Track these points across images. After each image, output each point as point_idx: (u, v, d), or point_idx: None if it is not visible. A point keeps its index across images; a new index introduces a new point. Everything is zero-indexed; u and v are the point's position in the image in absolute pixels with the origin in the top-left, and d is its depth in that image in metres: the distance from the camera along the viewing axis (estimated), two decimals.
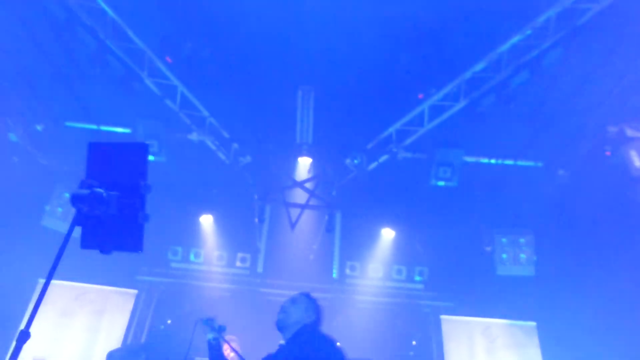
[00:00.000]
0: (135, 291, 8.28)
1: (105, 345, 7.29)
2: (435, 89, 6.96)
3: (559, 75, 6.44)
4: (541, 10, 6.03)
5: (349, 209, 8.58)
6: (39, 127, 7.75)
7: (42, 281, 7.91)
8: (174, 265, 9.17)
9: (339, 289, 9.09)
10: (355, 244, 9.17)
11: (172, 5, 6.47)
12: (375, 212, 8.53)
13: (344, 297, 9.04)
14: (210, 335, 3.78)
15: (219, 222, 9.11)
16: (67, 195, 8.23)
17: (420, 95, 7.11)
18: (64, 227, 7.68)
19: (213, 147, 7.85)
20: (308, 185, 8.01)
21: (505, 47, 6.33)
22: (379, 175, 7.95)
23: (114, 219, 2.14)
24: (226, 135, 7.85)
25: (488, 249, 8.43)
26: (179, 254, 9.18)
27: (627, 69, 6.22)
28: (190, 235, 9.19)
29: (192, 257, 9.23)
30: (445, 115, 7.08)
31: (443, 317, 8.37)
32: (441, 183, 7.54)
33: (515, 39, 6.24)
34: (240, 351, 6.84)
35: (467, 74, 6.66)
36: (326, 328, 8.68)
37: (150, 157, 7.48)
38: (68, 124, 7.88)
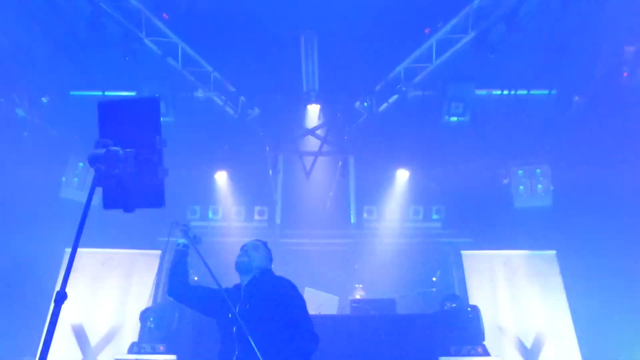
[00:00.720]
0: (158, 252, 8.43)
1: (136, 306, 7.48)
2: (442, 22, 6.74)
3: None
4: None
5: (362, 152, 8.53)
6: (44, 99, 7.72)
7: (68, 250, 8.09)
8: (193, 224, 9.20)
9: (358, 234, 9.17)
10: (371, 187, 9.17)
11: None
12: (388, 154, 8.47)
13: (363, 242, 9.13)
14: (180, 241, 3.74)
15: (233, 177, 9.14)
16: (81, 165, 8.28)
17: (427, 30, 6.90)
18: (82, 197, 7.75)
19: (220, 103, 7.78)
20: (319, 132, 7.95)
21: None
22: (390, 116, 7.85)
23: (133, 177, 2.12)
24: (232, 89, 7.75)
25: (505, 181, 8.39)
26: (198, 213, 9.28)
27: None
28: (207, 193, 9.25)
29: (210, 215, 9.33)
30: (454, 49, 6.89)
31: (464, 252, 8.43)
32: (454, 119, 7.44)
33: None
34: None
35: (475, 4, 6.42)
36: (348, 271, 8.83)
37: None
38: (73, 93, 7.83)
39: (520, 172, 8.31)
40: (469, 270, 8.23)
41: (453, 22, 6.69)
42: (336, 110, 8.09)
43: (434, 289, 8.59)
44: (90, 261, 8.11)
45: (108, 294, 7.89)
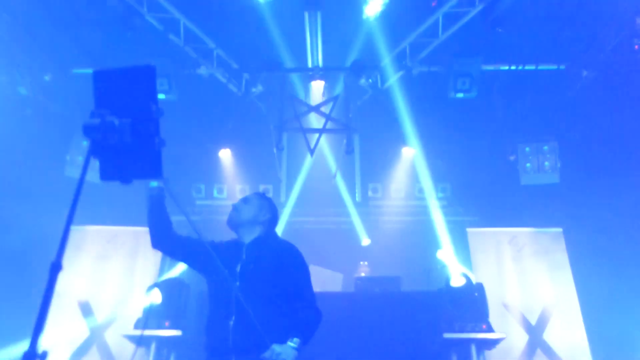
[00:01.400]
0: None
1: (143, 282, 7.54)
2: None
3: None
4: None
5: (367, 130, 8.45)
6: (46, 77, 7.66)
7: (74, 228, 8.12)
8: (198, 202, 9.29)
9: (363, 212, 9.15)
10: (376, 165, 9.12)
11: None
12: (393, 131, 8.38)
13: (368, 219, 9.11)
14: (153, 184, 3.26)
15: (237, 155, 9.11)
16: (85, 143, 8.26)
17: (434, 3, 6.75)
18: (89, 175, 7.75)
19: (223, 80, 7.70)
20: (323, 109, 7.87)
21: None
22: (395, 92, 7.75)
23: (129, 148, 2.07)
24: (235, 66, 7.66)
25: (512, 158, 8.30)
26: (203, 191, 9.28)
27: None
28: (211, 172, 9.24)
29: (215, 193, 9.33)
30: (460, 23, 6.74)
31: (469, 229, 8.40)
32: (460, 95, 7.31)
33: None
34: None
35: None
36: (352, 249, 8.85)
37: (161, 96, 7.39)
38: (75, 70, 7.77)
39: (527, 148, 8.22)
40: (474, 247, 8.22)
41: None
42: (340, 87, 8.00)
43: (439, 267, 8.59)
44: (96, 238, 8.17)
45: (114, 271, 7.96)
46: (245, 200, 3.34)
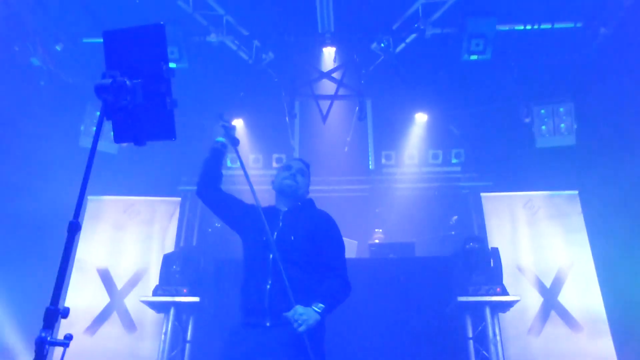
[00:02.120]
0: (178, 199, 8.55)
1: (160, 251, 7.69)
2: None
3: None
4: None
5: (380, 96, 8.36)
6: (58, 47, 7.64)
7: (91, 198, 8.24)
8: None
9: (377, 180, 9.13)
10: (389, 132, 9.05)
11: None
12: (406, 96, 8.29)
13: (382, 187, 9.10)
14: (220, 139, 3.42)
15: (249, 125, 9.09)
16: (98, 113, 8.30)
17: None
18: (101, 145, 7.81)
19: (234, 47, 7.62)
20: (335, 75, 7.78)
21: None
22: (407, 56, 7.62)
23: (141, 109, 2.08)
24: (245, 32, 7.57)
25: (527, 120, 8.17)
26: None
27: None
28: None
29: (228, 163, 9.34)
30: None
31: (483, 194, 8.36)
32: (474, 57, 7.15)
33: None
34: None
35: None
36: (367, 217, 8.87)
37: (172, 65, 7.35)
38: (85, 40, 7.74)
39: (542, 110, 8.07)
40: (489, 212, 8.19)
41: None
42: (352, 52, 7.88)
43: (453, 232, 8.61)
44: (113, 208, 8.29)
45: (131, 240, 8.10)
46: (302, 172, 3.39)
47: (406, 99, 8.44)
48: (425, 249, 7.91)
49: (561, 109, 8.01)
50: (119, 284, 7.73)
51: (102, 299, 7.60)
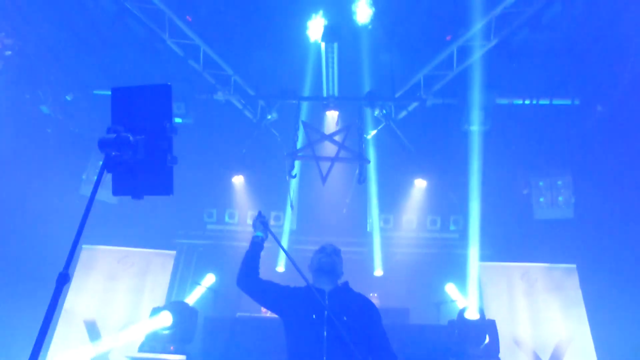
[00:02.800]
0: (174, 252, 8.49)
1: (150, 304, 7.51)
2: (464, 29, 6.68)
3: (594, 3, 6.07)
4: None
5: (380, 160, 8.47)
6: (68, 97, 7.86)
7: (86, 247, 8.18)
8: (209, 227, 9.34)
9: (374, 243, 9.08)
10: (388, 196, 9.09)
11: None
12: (406, 162, 8.40)
13: (379, 250, 9.03)
14: (258, 233, 3.62)
15: (250, 181, 9.17)
16: (101, 163, 8.39)
17: (449, 37, 6.85)
18: (101, 195, 7.84)
19: (239, 106, 7.82)
20: (337, 137, 7.92)
21: None
22: (409, 123, 7.80)
23: (142, 164, 2.12)
24: (251, 92, 7.79)
25: (525, 192, 8.24)
26: (214, 216, 9.33)
27: None
28: (224, 197, 9.30)
29: (227, 218, 9.36)
30: (475, 56, 6.81)
31: (481, 263, 8.28)
32: (474, 128, 7.33)
33: None
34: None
35: (498, 10, 6.35)
36: (365, 280, 8.73)
37: (178, 120, 7.52)
38: (96, 92, 7.96)
39: (541, 183, 8.16)
40: (486, 282, 8.09)
41: (475, 28, 6.62)
42: (354, 117, 8.06)
43: (449, 301, 8.46)
44: (106, 258, 8.21)
45: (122, 291, 7.96)
46: (337, 253, 3.58)
47: (406, 164, 8.54)
48: (421, 316, 7.75)
49: (559, 182, 8.10)
50: (106, 336, 7.51)
51: (87, 352, 7.37)
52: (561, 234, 8.01)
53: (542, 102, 7.41)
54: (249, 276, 3.52)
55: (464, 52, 6.88)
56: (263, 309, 6.93)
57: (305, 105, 8.03)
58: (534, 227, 8.21)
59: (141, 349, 6.16)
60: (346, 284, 3.54)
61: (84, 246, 8.15)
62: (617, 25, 6.19)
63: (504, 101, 7.42)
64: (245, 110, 7.90)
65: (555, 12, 6.05)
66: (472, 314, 6.35)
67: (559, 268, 8.06)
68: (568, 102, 7.43)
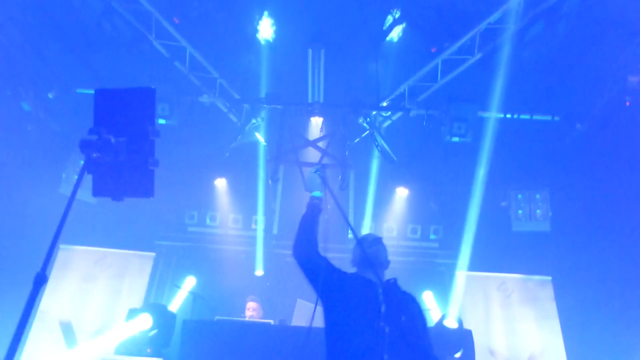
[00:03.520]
0: (152, 254, 8.42)
1: (128, 307, 7.43)
2: (449, 42, 6.78)
3: (575, 25, 6.22)
4: None
5: (362, 168, 8.53)
6: (50, 95, 7.77)
7: (63, 247, 8.07)
8: (190, 229, 9.30)
9: (349, 249, 9.10)
10: (369, 203, 9.14)
11: None
12: (388, 170, 8.46)
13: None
14: (316, 193, 3.27)
15: (233, 185, 9.16)
16: (82, 162, 8.31)
17: (434, 49, 6.95)
18: (81, 194, 7.77)
19: (224, 109, 7.82)
20: (320, 144, 7.97)
21: None
22: (392, 132, 7.87)
23: (124, 166, 2.13)
24: (237, 96, 7.79)
25: (503, 204, 8.37)
26: (195, 218, 9.29)
27: None
28: (205, 199, 9.27)
29: (208, 221, 9.33)
30: (459, 69, 6.93)
31: (458, 272, 8.37)
32: (455, 139, 7.43)
33: None
34: (261, 313, 7.02)
35: (482, 25, 6.47)
36: None
37: (162, 121, 7.48)
38: (79, 90, 7.88)
39: (519, 195, 8.31)
40: (463, 291, 8.18)
41: (460, 42, 6.73)
42: (339, 124, 8.11)
43: (428, 309, 8.53)
44: (84, 259, 8.12)
45: (99, 292, 7.88)
46: (378, 241, 3.32)
47: (388, 173, 8.61)
48: None
49: (537, 196, 8.25)
50: (81, 338, 7.41)
51: (61, 353, 7.26)
52: (538, 246, 8.16)
53: (522, 116, 7.54)
54: (307, 244, 3.17)
55: (449, 64, 6.99)
56: (248, 312, 6.91)
57: (289, 111, 8.05)
58: (512, 239, 8.34)
59: (117, 351, 6.10)
60: (395, 280, 3.21)
61: (61, 246, 8.05)
62: (598, 45, 6.35)
63: (486, 114, 7.53)
64: (230, 113, 7.90)
65: (538, 30, 6.17)
66: (451, 323, 6.41)
67: (534, 280, 8.20)
68: (548, 118, 7.59)
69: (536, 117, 7.60)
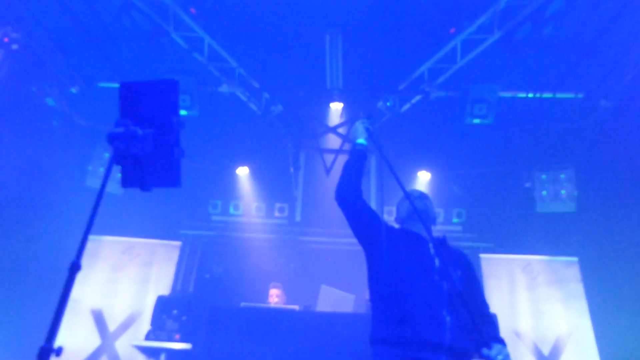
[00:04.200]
0: (179, 243, 8.58)
1: (155, 295, 7.61)
2: (468, 22, 6.68)
3: None
4: None
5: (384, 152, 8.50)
6: (73, 90, 7.91)
7: (92, 237, 8.26)
8: (214, 218, 9.42)
9: None
10: (391, 188, 9.11)
11: None
12: (410, 154, 8.43)
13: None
14: (360, 141, 3.14)
15: (255, 173, 9.23)
16: (107, 155, 8.47)
17: (452, 30, 6.85)
18: (108, 186, 7.93)
19: (244, 99, 7.86)
20: (341, 130, 7.97)
21: None
22: (412, 116, 7.83)
23: (150, 157, 2.18)
24: (256, 85, 7.82)
25: (527, 184, 8.28)
26: (219, 207, 9.41)
27: None
28: (228, 188, 9.37)
29: (231, 210, 9.44)
30: (479, 50, 6.81)
31: (482, 255, 8.35)
32: (477, 121, 7.35)
33: None
34: (284, 299, 7.12)
35: (501, 4, 6.35)
36: (366, 271, 8.80)
37: (183, 112, 7.57)
38: (101, 84, 8.01)
39: (543, 176, 8.19)
40: (488, 274, 8.16)
41: (479, 22, 6.62)
42: (359, 109, 8.09)
43: None
44: (112, 249, 8.31)
45: (128, 281, 8.07)
46: (425, 196, 3.17)
47: (409, 157, 8.57)
48: None
49: (562, 176, 8.12)
50: (112, 326, 7.64)
51: (93, 341, 7.50)
52: (563, 227, 8.06)
53: (545, 95, 7.41)
54: (352, 187, 3.02)
55: (468, 45, 6.88)
56: (271, 299, 7.00)
57: (309, 98, 8.06)
58: (537, 220, 8.25)
59: (147, 337, 6.26)
60: (445, 236, 3.04)
61: (90, 236, 8.22)
62: (621, 19, 6.19)
63: (507, 94, 7.43)
64: (249, 102, 7.94)
65: (558, 5, 6.04)
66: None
67: (560, 261, 8.12)
68: (572, 96, 7.44)
69: (559, 95, 7.46)
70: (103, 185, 2.06)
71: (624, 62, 6.76)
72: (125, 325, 7.66)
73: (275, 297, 7.06)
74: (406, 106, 7.73)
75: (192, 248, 8.75)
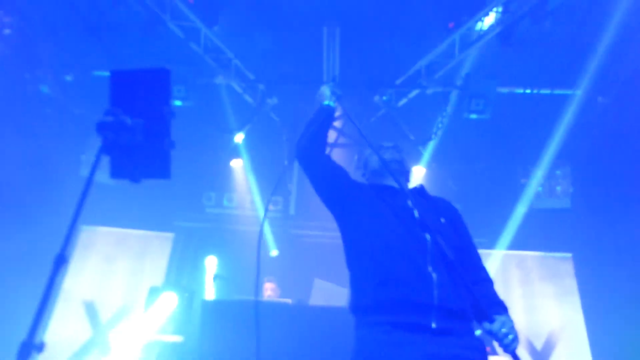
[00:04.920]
0: (172, 234, 8.54)
1: (148, 286, 7.58)
2: (467, 17, 6.63)
3: None
4: None
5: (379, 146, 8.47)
6: (68, 78, 7.83)
7: (85, 228, 8.21)
8: (208, 210, 9.36)
9: None
10: None
11: None
12: (405, 149, 8.38)
13: None
14: (327, 102, 2.83)
15: (249, 165, 9.17)
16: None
17: (451, 25, 6.81)
18: (101, 176, 7.86)
19: (239, 90, 7.80)
20: (336, 123, 7.92)
21: None
22: (409, 110, 7.79)
23: (140, 147, 2.13)
24: (252, 77, 7.76)
25: (523, 181, 8.27)
26: (213, 199, 9.34)
27: None
28: (222, 180, 9.31)
29: (225, 202, 9.38)
30: (477, 45, 6.78)
31: (477, 251, 8.33)
32: (473, 116, 7.32)
33: None
34: (278, 292, 7.09)
35: None
36: None
37: (178, 102, 7.50)
38: (96, 73, 7.93)
39: (539, 172, 8.18)
40: None
41: (478, 16, 6.58)
42: (354, 102, 8.04)
43: None
44: (106, 239, 8.26)
45: (121, 273, 8.03)
46: (398, 148, 2.88)
47: (405, 151, 8.52)
48: None
49: (558, 172, 8.11)
50: (104, 317, 7.60)
51: (85, 333, 7.46)
52: (558, 223, 8.06)
53: (542, 91, 7.39)
54: (314, 142, 2.69)
55: (466, 40, 6.84)
56: (266, 292, 6.97)
57: (304, 90, 8.00)
58: (531, 216, 8.24)
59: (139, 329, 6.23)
60: (422, 186, 2.79)
61: (83, 227, 8.20)
62: (619, 16, 6.16)
63: (504, 90, 7.40)
64: (245, 94, 7.88)
65: (558, 2, 6.00)
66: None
67: (554, 257, 8.12)
68: (569, 92, 7.42)
69: (557, 91, 7.43)
70: (91, 176, 2.02)
71: (621, 59, 6.73)
72: (118, 317, 7.62)
73: (269, 290, 7.03)
74: (403, 101, 7.69)
75: (185, 240, 8.70)
